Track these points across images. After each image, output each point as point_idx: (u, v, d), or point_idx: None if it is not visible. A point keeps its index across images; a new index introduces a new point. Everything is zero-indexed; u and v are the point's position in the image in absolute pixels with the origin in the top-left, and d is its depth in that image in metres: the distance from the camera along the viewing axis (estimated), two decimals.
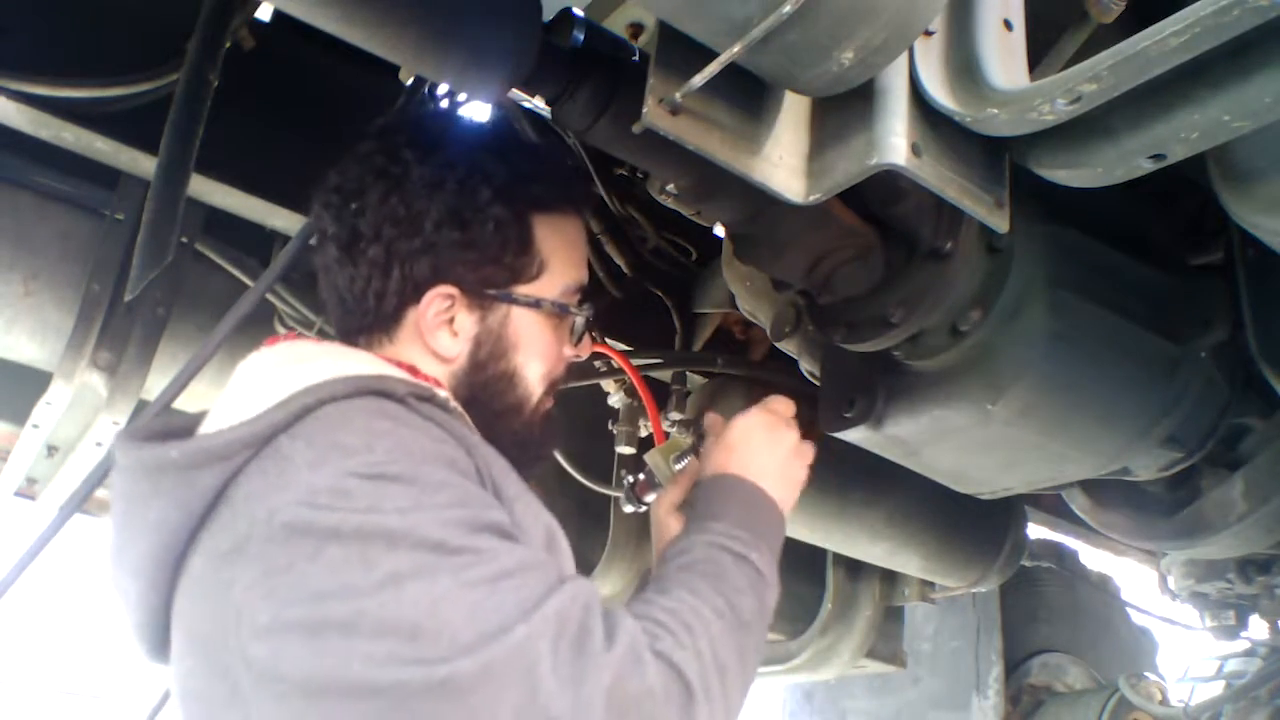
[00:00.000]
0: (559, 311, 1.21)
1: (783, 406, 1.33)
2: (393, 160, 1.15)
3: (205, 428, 1.05)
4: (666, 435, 1.80)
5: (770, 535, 1.18)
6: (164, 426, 1.10)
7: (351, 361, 1.06)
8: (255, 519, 0.90)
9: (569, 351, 1.26)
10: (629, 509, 1.48)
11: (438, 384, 1.13)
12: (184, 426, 1.10)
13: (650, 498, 1.43)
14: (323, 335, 2.00)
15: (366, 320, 1.17)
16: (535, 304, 1.19)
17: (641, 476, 1.45)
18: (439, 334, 1.15)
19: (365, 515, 0.87)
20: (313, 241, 1.24)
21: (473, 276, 1.16)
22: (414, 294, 1.15)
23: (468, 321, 1.17)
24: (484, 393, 1.17)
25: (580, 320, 1.26)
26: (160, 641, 1.02)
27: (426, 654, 0.82)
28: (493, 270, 1.16)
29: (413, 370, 1.12)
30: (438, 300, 1.15)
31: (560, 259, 1.21)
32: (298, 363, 1.04)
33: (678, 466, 1.38)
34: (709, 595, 1.03)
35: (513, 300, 1.18)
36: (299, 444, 0.93)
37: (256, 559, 0.89)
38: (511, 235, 1.16)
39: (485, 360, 1.18)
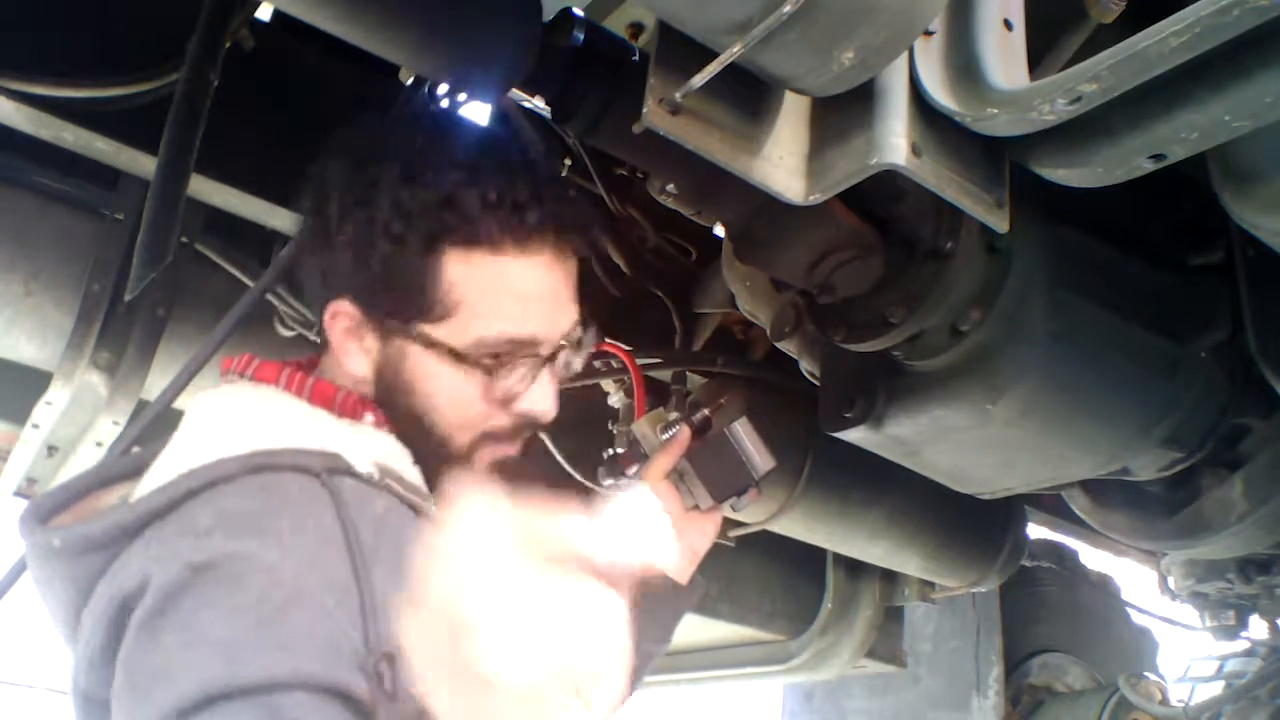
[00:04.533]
0: (460, 362, 1.04)
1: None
2: (335, 169, 1.07)
3: (140, 487, 1.01)
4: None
5: None
6: (104, 475, 1.07)
7: (271, 427, 1.00)
8: (94, 610, 0.91)
9: (524, 408, 1.09)
10: (608, 482, 1.47)
11: (368, 406, 1.06)
12: (131, 469, 1.06)
13: (633, 470, 1.42)
14: (323, 334, 2.00)
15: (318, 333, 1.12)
16: (429, 345, 1.04)
17: (621, 450, 1.44)
18: (348, 349, 1.07)
19: (152, 642, 0.83)
20: None
21: (368, 299, 1.05)
22: (327, 304, 1.08)
23: (374, 344, 1.07)
24: (400, 425, 1.07)
25: (514, 378, 1.07)
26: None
27: None
28: (387, 298, 1.04)
29: (374, 410, 1.07)
30: (339, 315, 1.06)
31: (485, 306, 1.03)
32: (217, 427, 1.01)
33: (664, 436, 1.37)
34: None
35: (410, 337, 1.05)
36: (161, 530, 0.90)
37: (89, 651, 0.91)
38: (406, 265, 1.02)
39: (390, 392, 1.07)
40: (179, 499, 0.91)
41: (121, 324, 1.88)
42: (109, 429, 1.99)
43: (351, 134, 1.10)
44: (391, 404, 1.07)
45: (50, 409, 1.95)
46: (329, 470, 0.96)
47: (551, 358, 1.10)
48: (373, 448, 1.03)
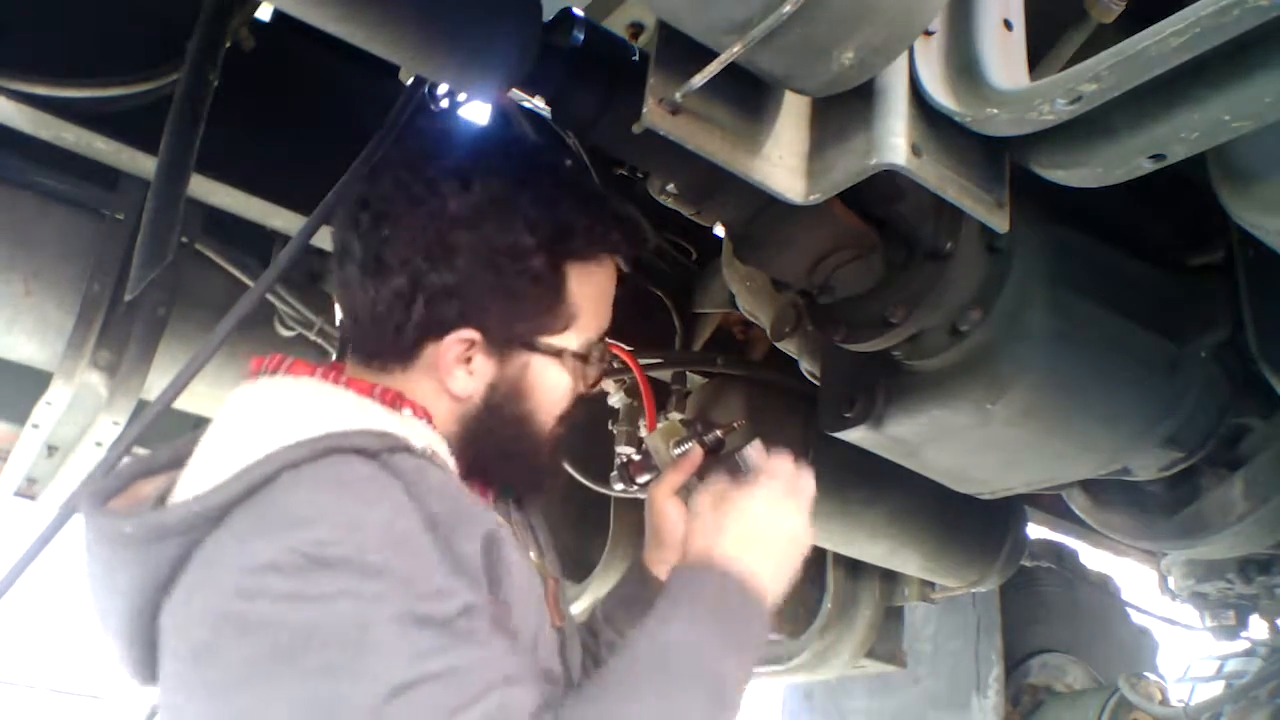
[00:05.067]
0: (580, 361, 1.19)
1: (790, 468, 1.23)
2: (430, 189, 1.10)
3: (184, 478, 1.03)
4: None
5: (748, 643, 1.06)
6: (144, 466, 1.09)
7: (326, 412, 1.03)
8: (193, 598, 0.91)
9: (581, 390, 1.24)
10: (619, 487, 1.48)
11: (428, 417, 1.11)
12: (170, 461, 1.08)
13: (644, 479, 1.42)
14: (323, 335, 2.00)
15: (383, 346, 1.13)
16: (557, 354, 1.16)
17: (637, 456, 1.44)
18: (456, 374, 1.12)
19: (289, 605, 0.85)
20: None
21: (499, 324, 1.12)
22: (436, 332, 1.10)
23: (486, 365, 1.13)
24: (495, 434, 1.15)
25: (598, 369, 1.24)
26: (151, 675, 1.03)
27: None
28: (520, 321, 1.14)
29: (413, 406, 1.10)
30: (459, 344, 1.11)
31: (590, 311, 1.18)
32: (271, 416, 1.02)
33: (676, 451, 1.37)
34: (653, 705, 0.95)
35: (535, 350, 1.15)
36: (250, 518, 0.92)
37: (188, 640, 0.90)
38: (546, 288, 1.13)
39: (499, 404, 1.15)
40: (257, 485, 0.93)
41: (121, 324, 1.88)
42: (109, 429, 2.00)
43: (425, 151, 1.16)
44: (498, 413, 1.15)
45: (50, 409, 1.95)
46: (388, 449, 1.00)
47: None
48: (416, 433, 1.07)
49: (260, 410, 1.04)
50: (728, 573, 1.08)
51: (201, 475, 0.98)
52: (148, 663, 1.00)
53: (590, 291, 1.18)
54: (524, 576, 1.06)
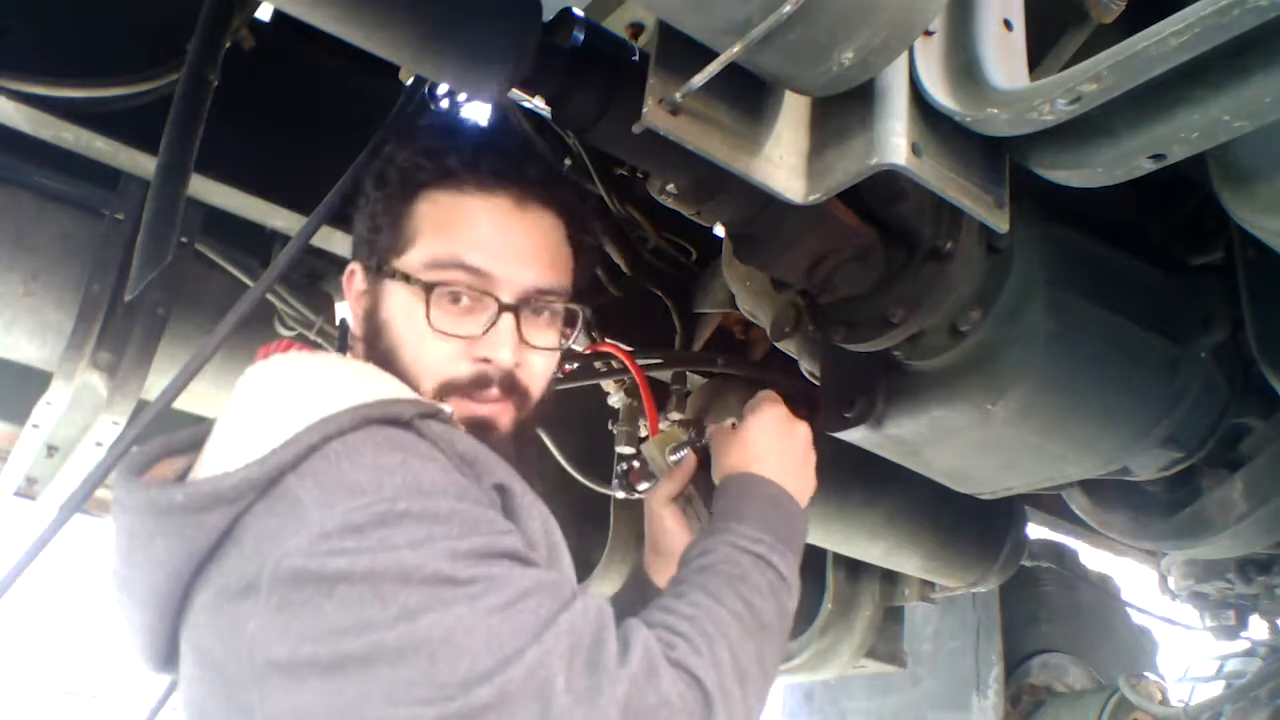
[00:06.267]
0: (408, 282, 1.13)
1: (778, 400, 1.34)
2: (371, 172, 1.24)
3: (209, 455, 1.03)
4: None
5: (793, 537, 1.18)
6: (165, 446, 1.10)
7: (355, 383, 1.04)
8: (266, 561, 0.89)
9: (479, 352, 1.14)
10: (620, 494, 1.49)
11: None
12: (189, 443, 1.09)
13: (643, 487, 1.43)
14: (323, 335, 2.00)
15: None
16: (391, 274, 1.14)
17: (636, 463, 1.45)
18: (354, 310, 1.20)
19: (375, 555, 0.86)
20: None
21: (365, 249, 1.20)
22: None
23: (361, 296, 1.20)
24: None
25: (449, 303, 1.13)
26: (166, 659, 1.03)
27: (444, 681, 0.82)
28: (370, 245, 1.19)
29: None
30: (351, 275, 1.21)
31: (433, 231, 1.14)
32: (302, 388, 1.03)
33: (673, 459, 1.38)
34: (728, 599, 1.03)
35: (385, 274, 1.15)
36: (307, 483, 0.92)
37: (269, 599, 0.88)
38: (396, 214, 1.17)
39: (371, 337, 1.16)
40: (306, 453, 0.94)
41: (121, 324, 1.88)
42: (109, 429, 2.00)
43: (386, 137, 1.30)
44: (375, 351, 1.15)
45: (50, 409, 1.95)
46: (419, 415, 1.02)
47: (515, 310, 1.14)
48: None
49: (292, 381, 1.05)
50: (766, 481, 1.22)
51: (239, 446, 0.98)
52: (166, 637, 1.00)
53: (439, 215, 1.15)
54: (556, 534, 1.08)
